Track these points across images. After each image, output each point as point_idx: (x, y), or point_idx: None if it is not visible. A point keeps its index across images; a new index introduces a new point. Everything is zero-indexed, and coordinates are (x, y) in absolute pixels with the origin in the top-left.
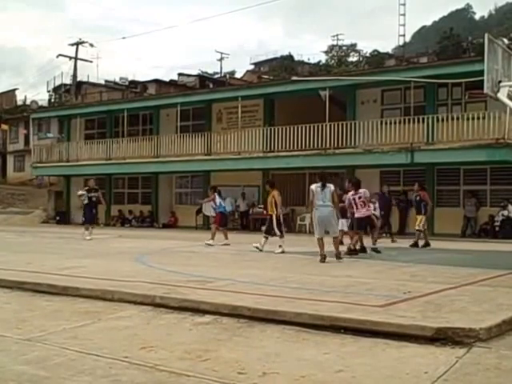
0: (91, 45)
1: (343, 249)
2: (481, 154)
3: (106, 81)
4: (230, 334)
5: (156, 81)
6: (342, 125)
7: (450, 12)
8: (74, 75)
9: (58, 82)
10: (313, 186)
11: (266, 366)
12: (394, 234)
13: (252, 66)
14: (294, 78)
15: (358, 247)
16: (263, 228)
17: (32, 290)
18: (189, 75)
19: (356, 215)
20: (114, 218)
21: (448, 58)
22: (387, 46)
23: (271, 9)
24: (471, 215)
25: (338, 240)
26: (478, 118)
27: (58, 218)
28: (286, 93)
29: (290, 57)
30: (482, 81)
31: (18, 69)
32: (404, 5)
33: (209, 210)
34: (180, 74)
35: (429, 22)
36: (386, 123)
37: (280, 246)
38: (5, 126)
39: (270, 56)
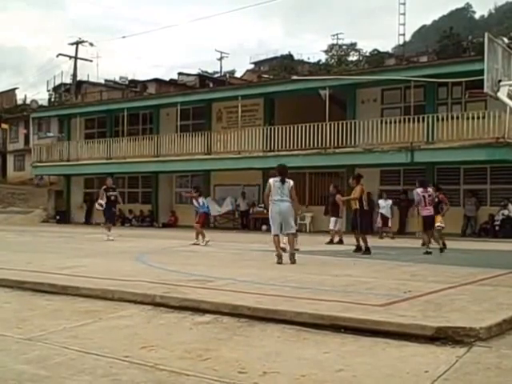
0: (91, 44)
1: (340, 248)
2: (481, 154)
3: (106, 80)
4: (231, 333)
5: (156, 80)
6: (342, 124)
7: (449, 11)
8: (74, 74)
9: (57, 82)
10: (271, 180)
11: (266, 365)
12: (394, 234)
13: (252, 66)
14: (294, 77)
15: (361, 245)
16: (264, 227)
17: (32, 289)
18: (189, 74)
19: (423, 213)
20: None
21: (448, 57)
22: (387, 45)
23: (271, 8)
24: (471, 214)
25: (293, 238)
26: (478, 118)
27: (58, 217)
28: (286, 92)
29: (289, 56)
30: (482, 80)
31: (18, 68)
32: (404, 4)
33: (213, 209)
34: (180, 74)
35: (429, 21)
36: (386, 122)
37: (285, 244)
38: (5, 126)
39: (270, 55)
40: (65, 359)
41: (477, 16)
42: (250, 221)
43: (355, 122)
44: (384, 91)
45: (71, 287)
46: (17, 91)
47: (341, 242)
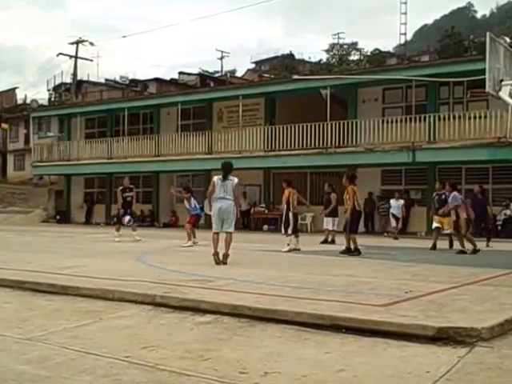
0: (91, 43)
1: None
2: (482, 153)
3: (107, 79)
4: (231, 333)
5: (156, 79)
6: (344, 124)
7: (451, 10)
8: (74, 74)
9: (58, 81)
10: (215, 178)
11: (267, 365)
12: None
13: (253, 65)
14: (295, 76)
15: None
16: (265, 227)
17: (32, 289)
18: (189, 74)
19: (464, 216)
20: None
21: (449, 56)
22: (388, 44)
23: (272, 7)
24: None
25: (230, 237)
26: (480, 117)
27: (58, 217)
28: (287, 91)
29: (290, 55)
30: (484, 79)
31: (18, 67)
32: (405, 3)
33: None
34: (181, 73)
35: (430, 21)
36: (387, 122)
37: (288, 245)
38: (5, 125)
39: (271, 55)
40: (65, 359)
41: (478, 15)
42: (251, 221)
43: (356, 122)
44: (385, 91)
45: (71, 287)
46: (17, 91)
47: (333, 241)
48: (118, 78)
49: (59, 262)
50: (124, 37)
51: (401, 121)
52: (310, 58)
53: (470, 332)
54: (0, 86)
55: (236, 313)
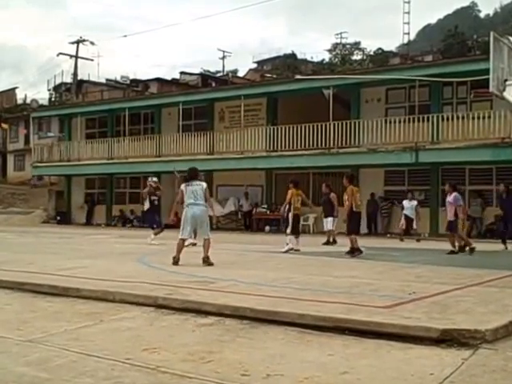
0: (92, 43)
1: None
2: (486, 154)
3: (107, 79)
4: (233, 335)
5: (158, 79)
6: (346, 124)
7: (454, 10)
8: (75, 74)
9: (58, 81)
10: (182, 186)
11: (269, 367)
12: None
13: (255, 65)
14: (298, 76)
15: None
16: (267, 228)
17: (33, 290)
18: (191, 74)
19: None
20: (115, 218)
21: (453, 56)
22: (391, 44)
23: (274, 7)
24: (477, 215)
25: (208, 243)
26: (484, 117)
27: (58, 218)
28: (289, 91)
29: (293, 55)
30: (488, 79)
31: (18, 67)
32: (408, 2)
33: (216, 210)
34: (182, 73)
35: (433, 20)
36: (390, 122)
37: (287, 244)
38: (5, 125)
39: (273, 54)
40: (66, 361)
41: (482, 15)
42: (253, 221)
43: (359, 122)
44: (388, 91)
45: (72, 289)
46: (17, 90)
47: (334, 241)
48: (118, 78)
49: (60, 263)
50: (125, 36)
51: (404, 121)
52: (312, 57)
53: (474, 334)
54: (0, 86)
55: (238, 314)
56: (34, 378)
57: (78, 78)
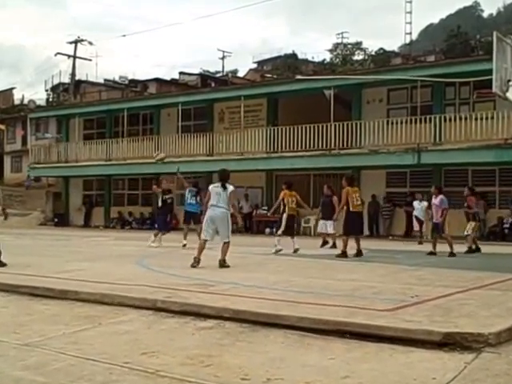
0: (90, 43)
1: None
2: (489, 155)
3: (106, 80)
4: (233, 338)
5: (157, 80)
6: (348, 125)
7: (457, 10)
8: (73, 74)
9: (56, 81)
10: (210, 187)
11: (269, 371)
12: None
13: (255, 65)
14: (298, 76)
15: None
16: (267, 230)
17: (30, 293)
18: (190, 74)
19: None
20: (114, 220)
21: (456, 56)
22: (393, 44)
23: (275, 6)
24: (480, 217)
25: (227, 246)
26: (487, 118)
27: (56, 220)
28: (289, 92)
29: (293, 55)
30: (491, 80)
31: (15, 67)
32: (410, 2)
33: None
34: (181, 73)
35: (436, 20)
36: (392, 123)
37: (275, 246)
38: (2, 126)
39: (274, 54)
40: (63, 365)
41: (485, 15)
42: (253, 223)
43: (361, 123)
44: (390, 91)
45: (70, 291)
46: (14, 91)
47: (326, 243)
48: (117, 78)
49: (58, 265)
50: (124, 36)
51: (406, 122)
52: (313, 57)
53: (477, 337)
54: None
55: (238, 318)
56: (31, 382)
57: (76, 78)
